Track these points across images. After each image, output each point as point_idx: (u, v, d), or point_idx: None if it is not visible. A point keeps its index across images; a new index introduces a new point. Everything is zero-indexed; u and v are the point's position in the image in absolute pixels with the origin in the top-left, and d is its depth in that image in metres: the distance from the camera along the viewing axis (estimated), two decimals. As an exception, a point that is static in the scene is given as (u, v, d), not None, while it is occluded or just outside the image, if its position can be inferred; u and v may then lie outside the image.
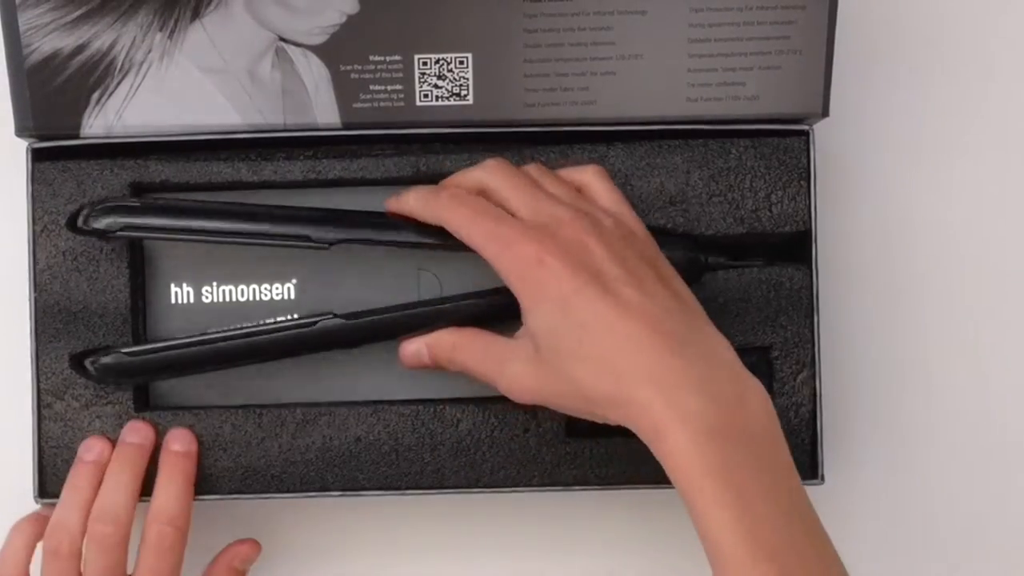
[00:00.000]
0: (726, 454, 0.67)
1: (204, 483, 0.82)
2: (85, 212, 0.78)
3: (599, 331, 0.70)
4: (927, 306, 0.92)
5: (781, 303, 0.82)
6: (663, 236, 0.79)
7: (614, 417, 0.70)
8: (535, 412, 0.82)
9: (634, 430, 0.70)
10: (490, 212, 0.74)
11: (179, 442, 0.81)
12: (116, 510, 0.79)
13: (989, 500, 0.91)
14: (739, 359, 0.72)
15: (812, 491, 0.83)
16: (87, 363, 0.79)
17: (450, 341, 0.77)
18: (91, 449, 0.81)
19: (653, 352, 0.69)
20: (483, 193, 0.76)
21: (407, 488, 0.82)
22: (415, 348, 0.78)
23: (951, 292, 0.92)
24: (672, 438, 0.67)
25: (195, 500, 0.82)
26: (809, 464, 0.83)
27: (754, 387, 0.71)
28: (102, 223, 0.78)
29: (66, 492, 0.80)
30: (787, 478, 0.70)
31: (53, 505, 0.81)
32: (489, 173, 0.77)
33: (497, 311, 0.78)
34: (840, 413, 0.89)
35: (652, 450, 0.69)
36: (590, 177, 0.78)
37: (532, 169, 0.78)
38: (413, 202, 0.77)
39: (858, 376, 0.91)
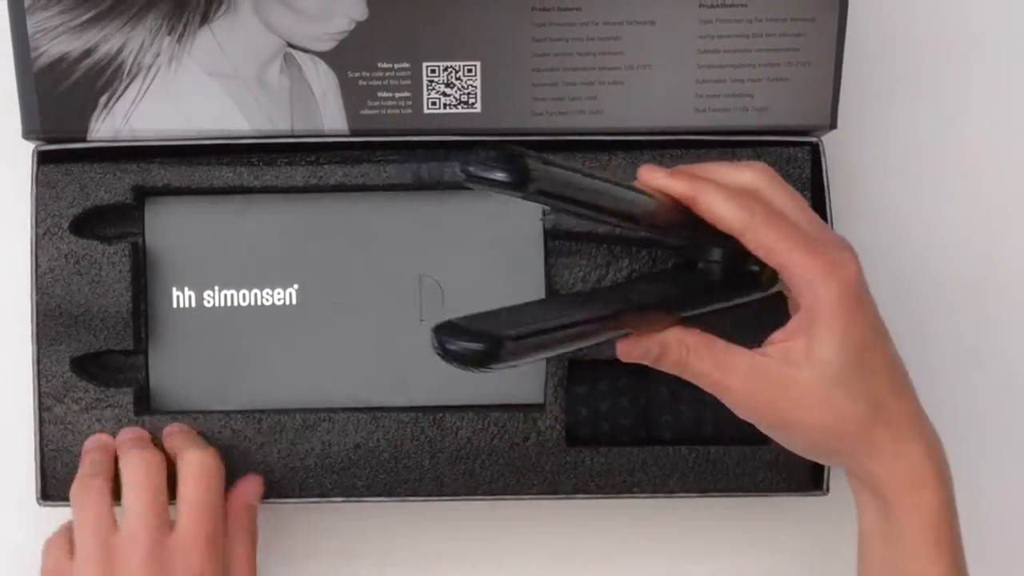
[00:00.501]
0: (954, 519, 0.70)
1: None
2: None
3: (886, 377, 0.69)
4: (934, 317, 0.91)
5: (785, 310, 0.82)
6: None
7: (861, 462, 0.70)
8: (535, 420, 0.82)
9: (876, 481, 0.70)
10: (798, 224, 0.70)
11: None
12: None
13: (993, 512, 0.91)
14: None
15: (816, 502, 0.84)
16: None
17: (684, 343, 0.70)
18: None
19: (917, 407, 0.70)
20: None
21: (406, 495, 0.82)
22: (646, 345, 0.71)
23: (958, 303, 0.91)
24: (930, 495, 0.68)
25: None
26: (813, 475, 0.83)
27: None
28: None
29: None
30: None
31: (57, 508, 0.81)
32: (768, 181, 0.72)
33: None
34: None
35: (889, 505, 0.69)
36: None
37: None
38: (714, 196, 0.70)
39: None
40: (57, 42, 0.79)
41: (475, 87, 0.81)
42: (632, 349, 0.70)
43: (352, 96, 0.81)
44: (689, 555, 0.89)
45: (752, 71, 0.81)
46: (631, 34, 0.81)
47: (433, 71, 0.81)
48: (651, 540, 0.89)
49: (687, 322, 0.71)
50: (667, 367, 0.71)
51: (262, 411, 0.83)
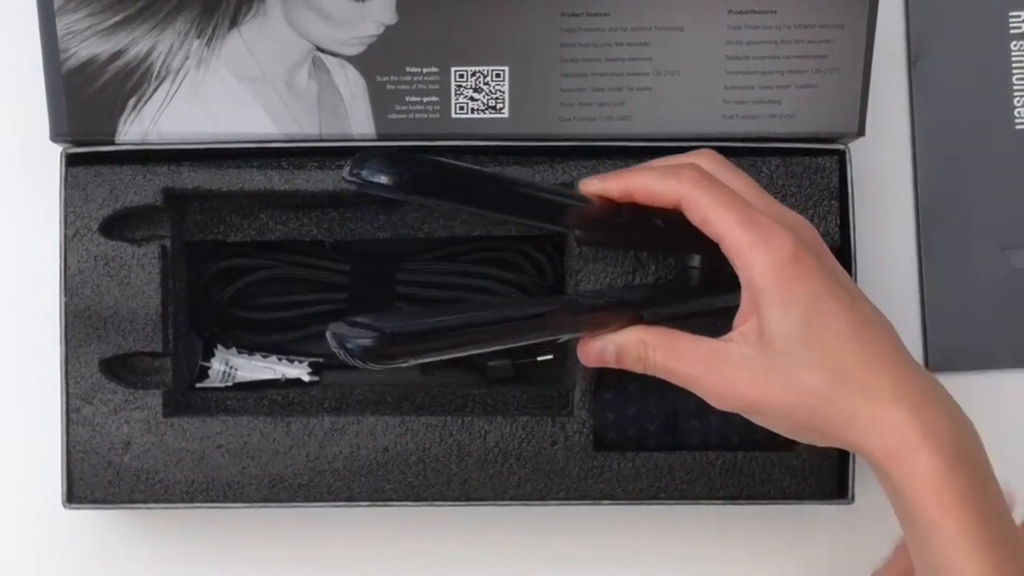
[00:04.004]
0: (974, 481, 0.64)
1: (230, 491, 0.82)
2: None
3: (849, 343, 0.66)
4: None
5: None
6: None
7: (843, 436, 0.67)
8: (563, 425, 0.82)
9: (864, 452, 0.66)
10: (738, 197, 0.68)
11: None
12: None
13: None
14: None
15: (841, 511, 0.84)
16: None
17: (642, 340, 0.69)
18: None
19: (900, 370, 0.66)
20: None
21: (433, 499, 0.82)
22: (600, 345, 0.71)
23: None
24: (924, 460, 0.64)
25: (220, 508, 0.82)
26: (838, 483, 0.83)
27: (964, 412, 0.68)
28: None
29: None
30: (1007, 507, 0.67)
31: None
32: (709, 161, 0.71)
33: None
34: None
35: (887, 475, 0.65)
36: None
37: (738, 181, 0.72)
38: (647, 178, 0.70)
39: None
40: (86, 44, 0.79)
41: (503, 92, 0.81)
42: (586, 351, 0.71)
43: (380, 100, 0.81)
44: (715, 562, 0.89)
45: (780, 78, 0.81)
46: (659, 40, 0.81)
47: (461, 76, 0.81)
48: (677, 546, 0.88)
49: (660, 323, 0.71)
50: (630, 366, 0.70)
51: (290, 414, 0.83)
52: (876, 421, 0.65)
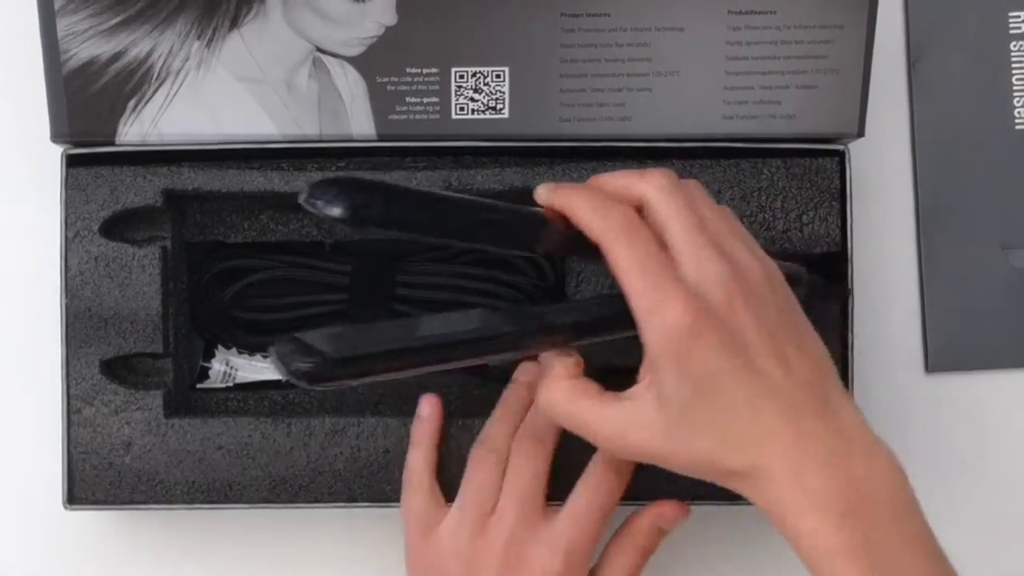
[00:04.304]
0: (862, 534, 0.64)
1: (231, 492, 0.82)
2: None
3: (740, 410, 0.66)
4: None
5: (814, 318, 0.82)
6: None
7: (741, 489, 0.67)
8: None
9: (762, 506, 0.67)
10: (653, 251, 0.66)
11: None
12: None
13: (1022, 524, 0.91)
14: (867, 423, 0.69)
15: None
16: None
17: (567, 391, 0.70)
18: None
19: (788, 430, 0.66)
20: (641, 211, 0.68)
21: None
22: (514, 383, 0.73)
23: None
24: (804, 519, 0.65)
25: (221, 509, 0.82)
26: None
27: (886, 456, 0.68)
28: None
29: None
30: (926, 548, 0.67)
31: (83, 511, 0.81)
32: (657, 192, 0.68)
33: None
34: (876, 431, 0.89)
35: (780, 530, 0.66)
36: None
37: (694, 192, 0.70)
38: (580, 205, 0.68)
39: (894, 394, 0.91)
40: (86, 45, 0.79)
41: (503, 93, 0.81)
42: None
43: (380, 101, 0.81)
44: (719, 563, 0.89)
45: (780, 78, 0.81)
46: (659, 41, 0.81)
47: (461, 76, 0.81)
48: (679, 547, 0.88)
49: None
50: (548, 411, 0.71)
51: (291, 415, 0.83)
52: (762, 484, 0.66)
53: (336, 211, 0.59)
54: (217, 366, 0.87)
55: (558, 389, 0.70)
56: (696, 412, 0.66)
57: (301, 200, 0.61)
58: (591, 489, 0.78)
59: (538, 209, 0.69)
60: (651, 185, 0.68)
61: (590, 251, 0.67)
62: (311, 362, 0.59)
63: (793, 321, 0.69)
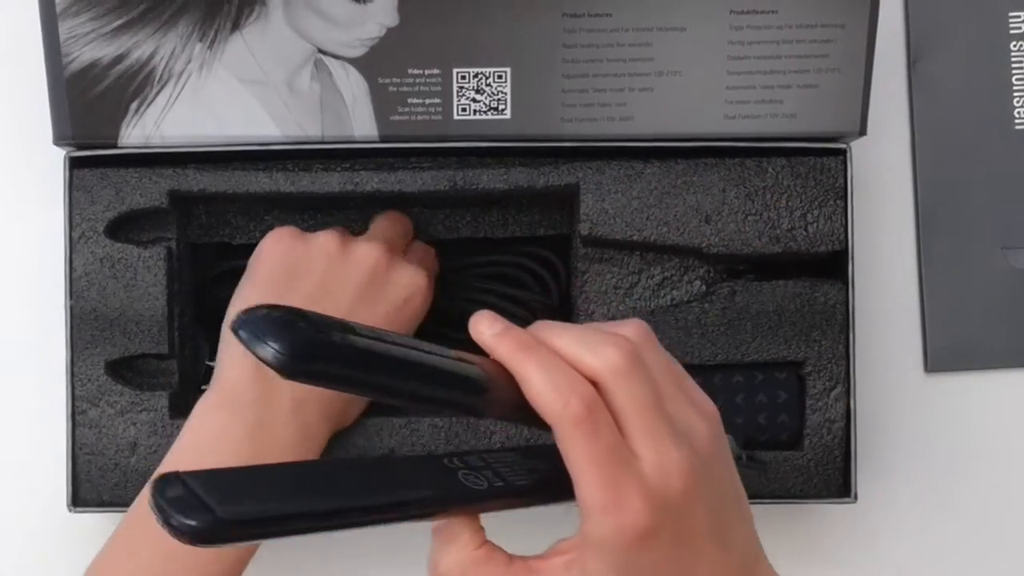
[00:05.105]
0: None
1: (236, 493, 0.82)
2: None
3: None
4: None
5: (815, 318, 0.82)
6: None
7: None
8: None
9: None
10: (613, 445, 0.57)
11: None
12: None
13: (1020, 522, 0.91)
14: None
15: (844, 509, 0.84)
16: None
17: (473, 561, 0.62)
18: None
19: None
20: (596, 385, 0.58)
21: None
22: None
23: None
24: None
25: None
26: (842, 482, 0.83)
27: None
28: None
29: None
30: None
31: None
32: (614, 377, 0.58)
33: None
34: (873, 430, 0.89)
35: None
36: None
37: (649, 359, 0.60)
38: (533, 370, 0.58)
39: (894, 394, 0.91)
40: (89, 48, 0.79)
41: (505, 93, 0.81)
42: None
43: (382, 102, 0.81)
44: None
45: (782, 77, 0.82)
46: (661, 41, 0.81)
47: (463, 77, 0.81)
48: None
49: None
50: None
51: None
52: None
53: (267, 352, 0.50)
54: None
55: (464, 559, 0.62)
56: None
57: (230, 327, 0.51)
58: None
59: (477, 369, 0.58)
60: (607, 367, 0.58)
61: (537, 422, 0.58)
62: (199, 519, 0.49)
63: (734, 495, 0.64)
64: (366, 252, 0.81)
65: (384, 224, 0.85)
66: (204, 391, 0.78)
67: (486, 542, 0.62)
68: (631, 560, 0.58)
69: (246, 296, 0.79)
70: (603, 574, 0.59)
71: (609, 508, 0.57)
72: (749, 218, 0.82)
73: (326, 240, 0.81)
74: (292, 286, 0.79)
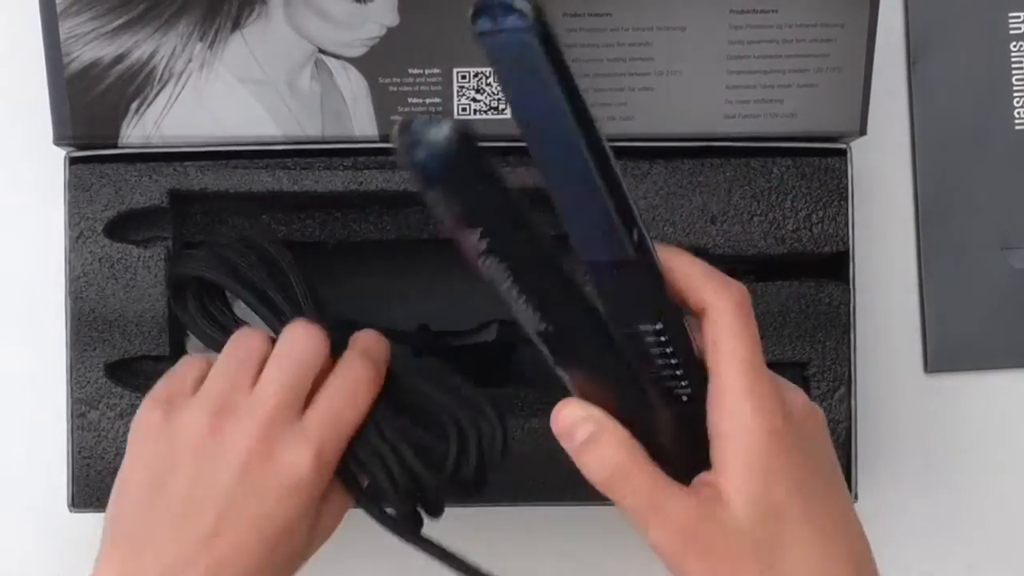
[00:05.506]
0: None
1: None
2: None
3: (802, 551, 0.60)
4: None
5: (820, 319, 0.82)
6: None
7: None
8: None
9: None
10: (758, 350, 0.61)
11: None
12: None
13: (1022, 523, 0.91)
14: None
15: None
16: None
17: (614, 461, 0.61)
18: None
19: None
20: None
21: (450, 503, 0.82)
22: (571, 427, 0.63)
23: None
24: None
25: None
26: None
27: None
28: None
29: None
30: None
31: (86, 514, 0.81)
32: (742, 307, 0.62)
33: None
34: (872, 430, 0.89)
35: None
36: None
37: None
38: (695, 267, 0.62)
39: (894, 394, 0.91)
40: (89, 48, 0.79)
41: (505, 93, 0.81)
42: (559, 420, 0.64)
43: (383, 102, 0.81)
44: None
45: (782, 77, 0.82)
46: (661, 40, 0.81)
47: (464, 77, 0.81)
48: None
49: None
50: (585, 470, 0.63)
51: None
52: None
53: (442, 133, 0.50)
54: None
55: (613, 447, 0.62)
56: (760, 545, 0.60)
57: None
58: (346, 381, 0.69)
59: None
60: (738, 299, 0.62)
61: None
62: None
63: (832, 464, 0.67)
64: (239, 437, 0.66)
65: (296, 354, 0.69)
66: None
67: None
68: (773, 473, 0.59)
69: (114, 519, 0.69)
70: (744, 498, 0.59)
71: (754, 399, 0.60)
72: (754, 219, 0.82)
73: (189, 428, 0.67)
74: (155, 504, 0.67)
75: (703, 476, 0.61)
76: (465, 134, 0.51)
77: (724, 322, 0.60)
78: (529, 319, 0.58)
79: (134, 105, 0.80)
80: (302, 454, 0.66)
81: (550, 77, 0.53)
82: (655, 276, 0.59)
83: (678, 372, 0.61)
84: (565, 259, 0.57)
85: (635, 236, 0.57)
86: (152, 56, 0.80)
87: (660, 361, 0.61)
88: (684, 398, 0.62)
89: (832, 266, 0.83)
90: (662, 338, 0.60)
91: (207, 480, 0.66)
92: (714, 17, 0.81)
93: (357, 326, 0.72)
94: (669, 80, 0.82)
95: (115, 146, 0.81)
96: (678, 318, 0.61)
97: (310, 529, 0.69)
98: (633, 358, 0.61)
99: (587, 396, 0.63)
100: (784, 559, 0.59)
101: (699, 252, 0.81)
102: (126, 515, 0.68)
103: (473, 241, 0.54)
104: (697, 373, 0.62)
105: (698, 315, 0.62)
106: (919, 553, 0.90)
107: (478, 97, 0.81)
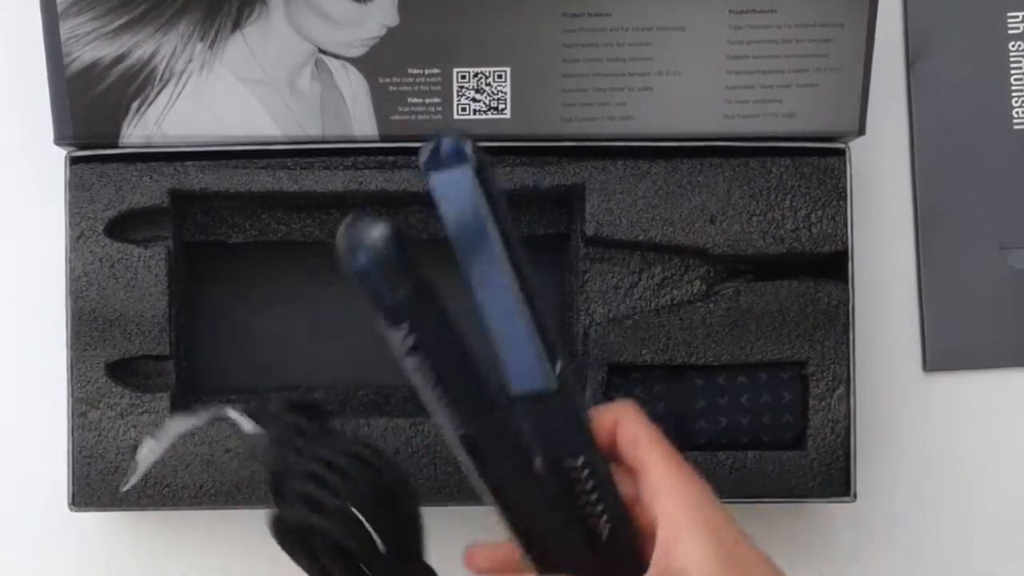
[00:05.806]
0: None
1: (239, 494, 0.82)
2: None
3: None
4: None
5: (819, 319, 0.82)
6: None
7: None
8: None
9: None
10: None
11: None
12: None
13: (1020, 522, 0.91)
14: None
15: (844, 508, 0.84)
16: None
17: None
18: None
19: None
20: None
21: (445, 501, 0.82)
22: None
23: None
24: None
25: (228, 511, 0.82)
26: (842, 482, 0.83)
27: None
28: None
29: None
30: None
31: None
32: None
33: None
34: (872, 430, 0.89)
35: None
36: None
37: None
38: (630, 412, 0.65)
39: (892, 393, 0.91)
40: (90, 48, 0.79)
41: (505, 93, 0.81)
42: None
43: (383, 102, 0.81)
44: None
45: (781, 77, 0.82)
46: (661, 40, 0.81)
47: (463, 77, 0.81)
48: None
49: None
50: None
51: None
52: None
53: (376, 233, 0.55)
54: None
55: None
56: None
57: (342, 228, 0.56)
58: None
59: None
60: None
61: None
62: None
63: None
64: None
65: None
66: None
67: None
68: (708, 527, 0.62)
69: None
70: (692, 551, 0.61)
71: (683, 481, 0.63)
72: (753, 218, 0.82)
73: None
74: None
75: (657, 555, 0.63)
76: (396, 233, 0.55)
77: (661, 477, 0.63)
78: (449, 422, 0.61)
79: (135, 105, 0.80)
80: None
81: (488, 217, 0.57)
82: (576, 411, 0.62)
83: (598, 508, 0.63)
84: (491, 372, 0.60)
85: (557, 369, 0.59)
86: (153, 56, 0.80)
87: (580, 494, 0.63)
88: (603, 535, 0.64)
89: (831, 265, 0.83)
90: (584, 472, 0.62)
91: None
92: (714, 17, 0.81)
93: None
94: (669, 80, 0.82)
95: (116, 146, 0.81)
96: (599, 458, 0.63)
97: None
98: (549, 484, 0.62)
99: (502, 510, 0.65)
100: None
101: (698, 251, 0.82)
102: None
103: (400, 337, 0.57)
104: (618, 514, 0.63)
105: (632, 471, 0.64)
106: (918, 551, 0.90)
107: (478, 97, 0.81)
